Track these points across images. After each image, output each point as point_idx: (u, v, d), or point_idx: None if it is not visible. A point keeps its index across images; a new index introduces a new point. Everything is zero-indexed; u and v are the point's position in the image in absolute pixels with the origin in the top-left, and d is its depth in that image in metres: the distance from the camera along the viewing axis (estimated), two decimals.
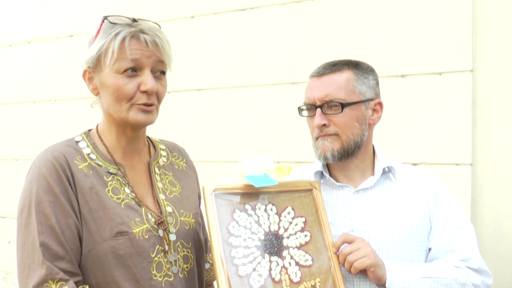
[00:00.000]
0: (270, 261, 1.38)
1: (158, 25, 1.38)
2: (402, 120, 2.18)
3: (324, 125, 1.50)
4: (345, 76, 1.51)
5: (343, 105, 1.48)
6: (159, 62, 1.33)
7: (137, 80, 1.30)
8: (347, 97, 1.50)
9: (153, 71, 1.33)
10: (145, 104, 1.32)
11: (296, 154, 2.32)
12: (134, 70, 1.30)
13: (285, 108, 2.46)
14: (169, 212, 1.40)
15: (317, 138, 1.53)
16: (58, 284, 1.22)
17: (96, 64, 1.33)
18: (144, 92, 1.31)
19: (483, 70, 2.09)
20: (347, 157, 1.52)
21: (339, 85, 1.50)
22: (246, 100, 2.59)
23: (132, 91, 1.30)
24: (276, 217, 1.44)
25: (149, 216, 1.36)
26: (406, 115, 2.18)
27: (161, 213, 1.39)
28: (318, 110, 1.50)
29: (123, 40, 1.29)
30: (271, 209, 1.45)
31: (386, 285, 1.40)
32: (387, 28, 2.24)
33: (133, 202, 1.35)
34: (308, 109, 1.55)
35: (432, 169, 1.76)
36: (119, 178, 1.36)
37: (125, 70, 1.30)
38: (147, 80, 1.30)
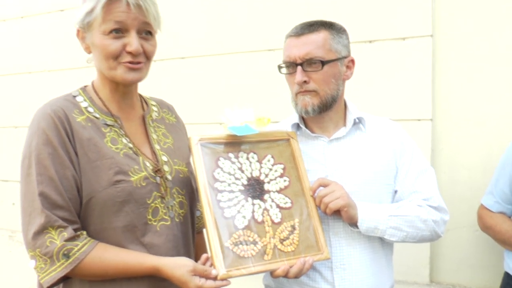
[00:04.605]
0: (253, 204, 1.37)
1: None
2: (370, 81, 2.18)
3: (305, 81, 1.47)
4: (322, 35, 1.48)
5: (323, 63, 1.47)
6: (145, 24, 1.29)
7: (123, 41, 1.27)
8: (326, 55, 1.47)
9: (139, 32, 1.29)
10: (131, 63, 1.28)
11: (272, 115, 2.31)
12: (120, 32, 1.27)
13: (263, 73, 2.44)
14: (164, 161, 1.38)
15: (296, 94, 1.51)
16: (58, 231, 1.20)
17: (86, 25, 1.29)
18: (129, 53, 1.27)
19: (442, 35, 2.10)
20: (325, 110, 1.51)
21: (318, 44, 1.47)
22: (227, 67, 2.55)
23: (118, 50, 1.27)
24: (257, 164, 1.43)
25: (147, 164, 1.33)
26: (374, 76, 2.19)
27: (157, 161, 1.36)
28: (299, 67, 1.47)
29: (105, 4, 1.24)
30: (253, 157, 1.44)
31: (357, 224, 1.42)
32: None
33: (131, 152, 1.32)
34: (288, 66, 1.52)
35: None
36: (116, 129, 1.33)
37: (110, 32, 1.26)
38: (132, 41, 1.27)
